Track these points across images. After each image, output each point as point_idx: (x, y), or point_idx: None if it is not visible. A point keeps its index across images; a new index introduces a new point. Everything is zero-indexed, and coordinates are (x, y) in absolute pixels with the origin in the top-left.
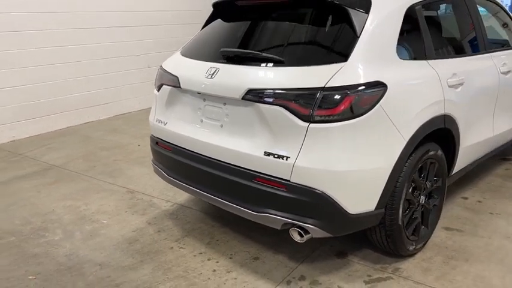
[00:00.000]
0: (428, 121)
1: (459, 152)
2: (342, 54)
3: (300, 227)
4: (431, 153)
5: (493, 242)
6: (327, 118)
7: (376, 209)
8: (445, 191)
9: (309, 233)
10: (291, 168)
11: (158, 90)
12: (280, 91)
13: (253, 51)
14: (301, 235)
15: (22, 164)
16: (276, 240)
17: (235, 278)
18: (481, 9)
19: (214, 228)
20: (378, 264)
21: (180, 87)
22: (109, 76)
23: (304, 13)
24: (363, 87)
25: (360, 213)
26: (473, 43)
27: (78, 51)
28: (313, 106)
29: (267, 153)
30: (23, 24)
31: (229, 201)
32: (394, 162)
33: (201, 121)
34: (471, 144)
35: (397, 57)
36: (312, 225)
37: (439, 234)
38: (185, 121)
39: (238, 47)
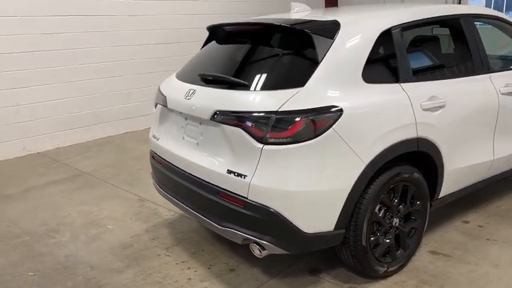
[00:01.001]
0: (395, 144)
1: (445, 176)
2: (300, 80)
3: (257, 243)
4: (405, 175)
5: (479, 269)
6: (279, 140)
7: (335, 229)
8: (426, 214)
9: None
10: (248, 187)
11: (155, 108)
12: (240, 114)
13: (223, 75)
14: (260, 250)
15: (58, 170)
16: None
17: None
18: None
19: (205, 239)
20: (347, 284)
21: (167, 106)
22: (148, 90)
23: (275, 40)
24: (315, 111)
25: (316, 233)
26: (464, 64)
27: (120, 67)
28: (267, 129)
29: (229, 171)
30: (71, 43)
31: (201, 214)
32: (352, 184)
33: (183, 138)
34: (462, 167)
35: (362, 81)
36: (267, 242)
37: (422, 258)
38: (172, 137)
39: (216, 70)
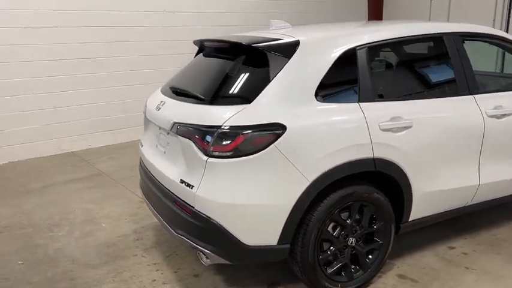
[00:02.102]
0: (345, 164)
1: (414, 199)
2: (249, 97)
3: (202, 251)
4: (363, 195)
5: None
6: (221, 154)
7: (279, 243)
8: (390, 236)
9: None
10: (194, 197)
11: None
12: (191, 126)
13: (185, 89)
14: (206, 259)
15: (81, 169)
16: None
17: None
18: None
19: (182, 244)
20: None
21: (146, 116)
22: None
23: (237, 57)
24: (257, 128)
25: (258, 246)
26: (442, 85)
27: (149, 75)
28: (211, 142)
29: (181, 181)
30: (103, 51)
31: (163, 219)
32: (295, 200)
33: (156, 146)
34: (435, 191)
35: (315, 100)
36: (210, 251)
37: (387, 281)
38: (149, 145)
39: (187, 83)
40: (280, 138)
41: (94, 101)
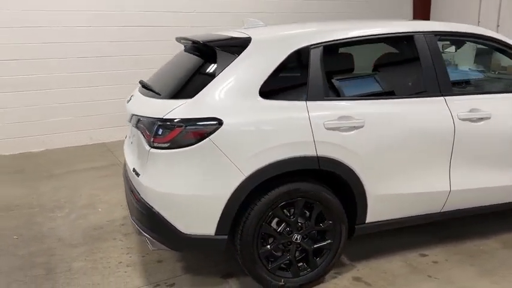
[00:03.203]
0: (285, 160)
1: (368, 200)
2: (193, 92)
3: (147, 237)
4: (309, 192)
5: None
6: (160, 145)
7: (216, 234)
8: (341, 236)
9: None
10: (140, 185)
11: None
12: (141, 118)
13: (149, 84)
14: (151, 245)
15: (104, 159)
16: None
17: (126, 272)
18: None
19: None
20: None
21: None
22: None
23: (197, 54)
24: (193, 121)
25: (196, 235)
26: (406, 85)
27: None
28: (153, 134)
29: (133, 169)
30: (134, 50)
31: (128, 206)
32: (230, 193)
33: (129, 138)
34: (395, 194)
35: (258, 97)
36: (153, 238)
37: (340, 282)
38: (128, 136)
39: (153, 79)
40: (216, 132)
41: (127, 97)
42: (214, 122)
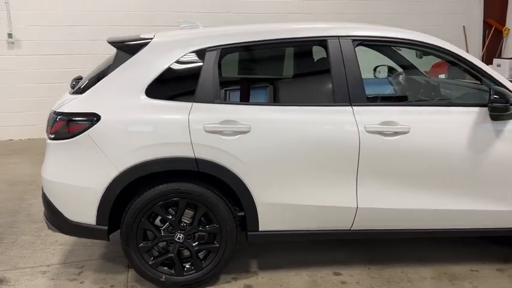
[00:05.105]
0: (161, 159)
1: (258, 208)
2: (86, 88)
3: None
4: (191, 194)
5: None
6: (50, 136)
7: (97, 224)
8: (227, 241)
9: None
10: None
11: None
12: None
13: (79, 80)
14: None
15: None
16: None
17: (54, 250)
18: None
19: None
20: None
21: None
22: None
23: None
24: (73, 115)
25: (79, 223)
26: (306, 93)
27: None
28: (49, 125)
29: None
30: None
31: None
32: (104, 187)
33: None
34: (288, 204)
35: (144, 96)
36: (48, 221)
37: (228, 287)
38: None
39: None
40: (93, 127)
41: None
42: (93, 118)
